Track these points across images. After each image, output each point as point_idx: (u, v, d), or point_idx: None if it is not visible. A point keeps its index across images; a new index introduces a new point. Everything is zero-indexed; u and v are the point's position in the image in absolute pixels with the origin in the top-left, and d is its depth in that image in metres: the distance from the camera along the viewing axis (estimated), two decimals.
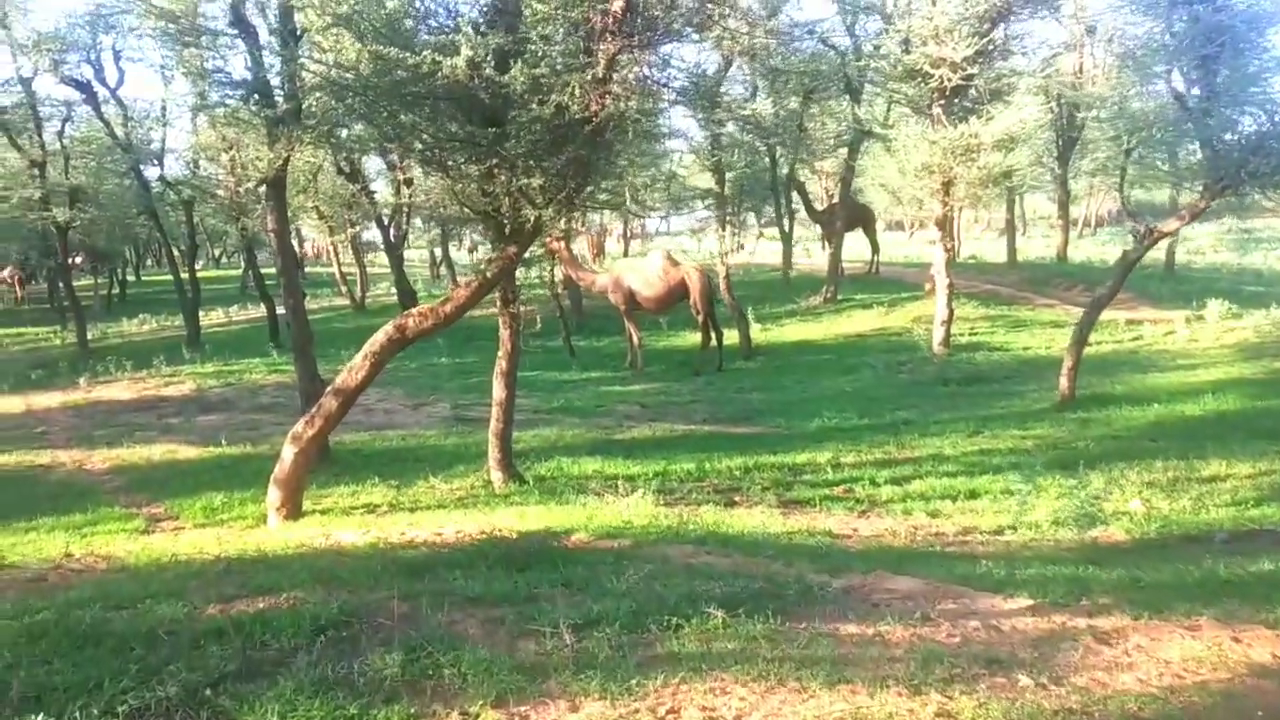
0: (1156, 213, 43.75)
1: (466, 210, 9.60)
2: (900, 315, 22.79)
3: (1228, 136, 13.04)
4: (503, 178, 8.24)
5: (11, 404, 18.63)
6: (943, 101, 18.42)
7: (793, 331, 22.50)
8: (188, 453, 13.75)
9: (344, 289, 31.51)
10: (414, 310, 9.09)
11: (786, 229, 28.50)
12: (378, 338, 8.90)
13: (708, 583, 5.44)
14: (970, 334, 20.41)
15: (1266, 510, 8.62)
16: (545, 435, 13.83)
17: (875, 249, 28.76)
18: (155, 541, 8.80)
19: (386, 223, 26.14)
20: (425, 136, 8.61)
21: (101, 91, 24.22)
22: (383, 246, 28.68)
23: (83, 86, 23.76)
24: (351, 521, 8.88)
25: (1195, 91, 13.75)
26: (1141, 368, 16.76)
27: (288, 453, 9.11)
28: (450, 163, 9.13)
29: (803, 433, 13.57)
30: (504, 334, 10.98)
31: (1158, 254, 34.61)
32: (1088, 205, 53.54)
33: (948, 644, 4.50)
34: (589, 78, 7.91)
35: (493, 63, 7.80)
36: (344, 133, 12.44)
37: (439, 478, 11.24)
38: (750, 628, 4.61)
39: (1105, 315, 21.50)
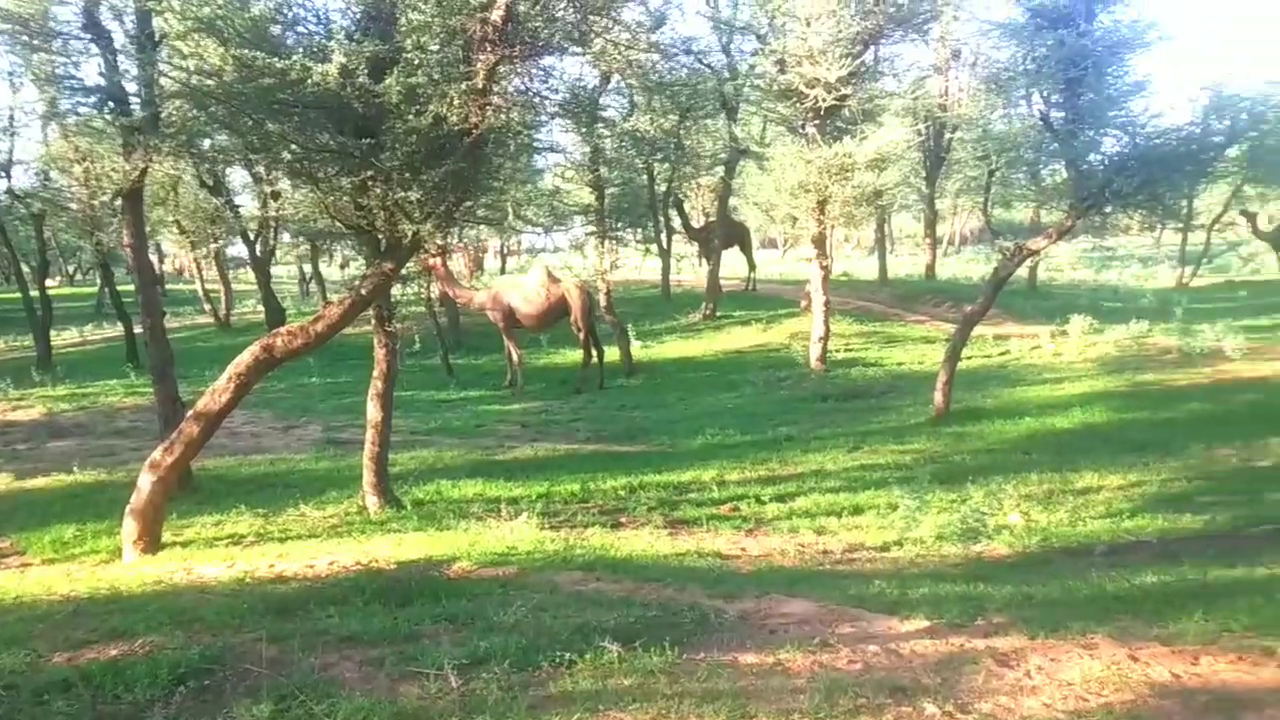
0: (1018, 231, 45.41)
1: (339, 225, 9.22)
2: (778, 332, 22.99)
3: (1092, 157, 13.48)
4: (378, 191, 7.89)
5: None
6: (817, 121, 18.68)
7: (673, 348, 22.47)
8: (36, 482, 12.85)
9: (208, 307, 30.28)
10: (283, 329, 8.64)
11: (665, 245, 28.56)
12: (243, 358, 8.43)
13: (600, 612, 5.22)
14: (846, 350, 20.69)
15: (1140, 521, 8.82)
16: (423, 457, 13.40)
17: (751, 266, 29.02)
18: None
19: (253, 237, 25.22)
20: (294, 147, 8.20)
21: None
22: (249, 262, 27.67)
23: None
24: (215, 554, 8.35)
25: (1060, 114, 14.21)
26: (1010, 382, 17.18)
27: (145, 481, 8.54)
28: (321, 175, 8.74)
29: (687, 450, 13.46)
30: (379, 353, 10.56)
31: (1021, 271, 35.95)
32: (952, 224, 55.33)
33: (850, 671, 4.37)
34: (468, 88, 7.65)
35: (366, 71, 7.48)
36: (206, 143, 11.90)
37: (310, 505, 10.72)
38: (647, 661, 4.40)
39: (974, 331, 22.17)
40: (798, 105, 18.72)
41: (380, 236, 8.44)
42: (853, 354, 20.53)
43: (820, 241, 19.38)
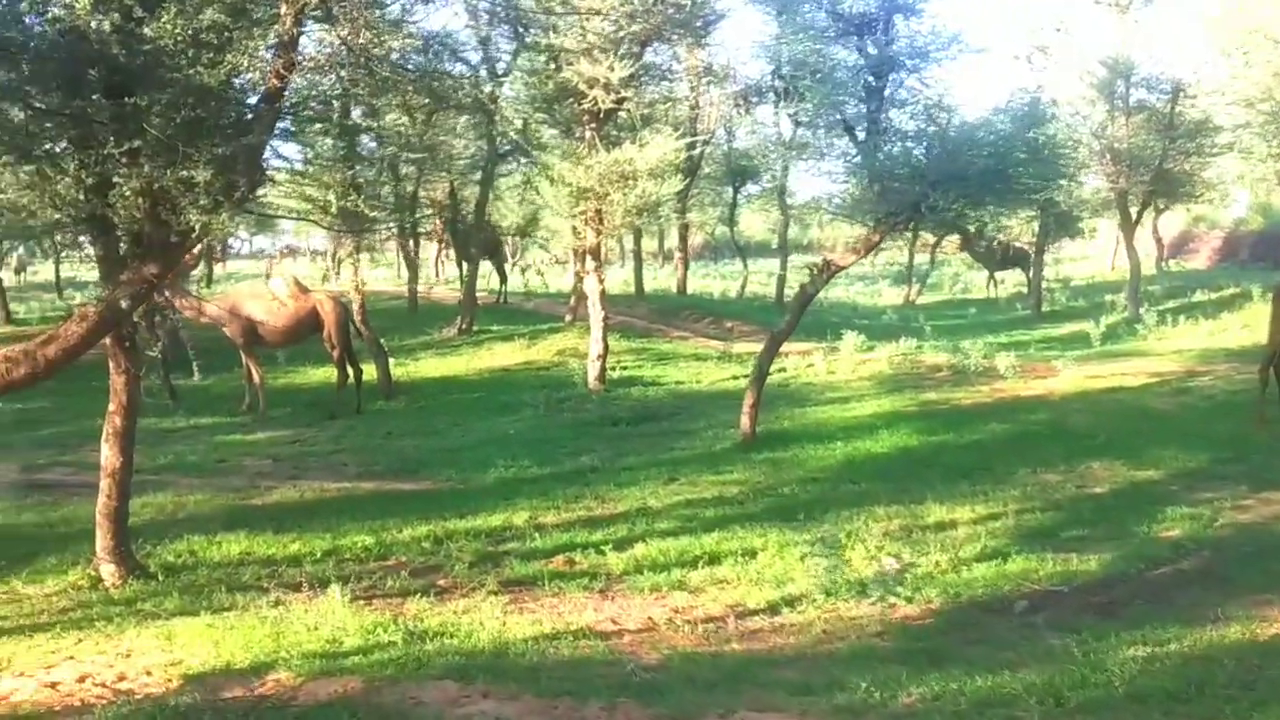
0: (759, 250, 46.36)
1: (67, 217, 7.03)
2: (544, 348, 21.54)
3: (901, 171, 12.97)
4: (143, 169, 5.86)
5: None
6: (594, 124, 17.49)
7: (431, 367, 20.54)
8: None
9: None
10: None
11: (414, 253, 26.47)
12: None
13: None
14: (620, 368, 19.55)
15: (1024, 564, 8.08)
16: (159, 503, 11.00)
17: (503, 278, 27.47)
18: None
19: None
20: (18, 110, 6.01)
21: None
22: None
23: None
24: None
25: (861, 125, 13.72)
26: (798, 401, 16.60)
27: None
28: (50, 148, 6.58)
29: (481, 487, 11.79)
30: (117, 381, 8.27)
31: (759, 287, 36.36)
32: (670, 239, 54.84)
33: None
34: (276, 37, 5.81)
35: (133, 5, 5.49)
36: None
37: (22, 577, 8.27)
38: None
39: (744, 349, 21.68)
40: (575, 106, 17.46)
41: (145, 229, 6.35)
42: (628, 372, 19.42)
43: (597, 253, 18.18)
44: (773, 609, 7.16)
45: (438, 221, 28.61)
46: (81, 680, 5.34)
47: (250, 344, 16.41)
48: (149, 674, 5.37)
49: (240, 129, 6.00)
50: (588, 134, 17.43)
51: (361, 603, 7.13)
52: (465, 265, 24.92)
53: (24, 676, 5.50)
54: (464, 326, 22.90)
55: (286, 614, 6.61)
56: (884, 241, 13.58)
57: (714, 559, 8.62)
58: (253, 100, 6.48)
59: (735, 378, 18.80)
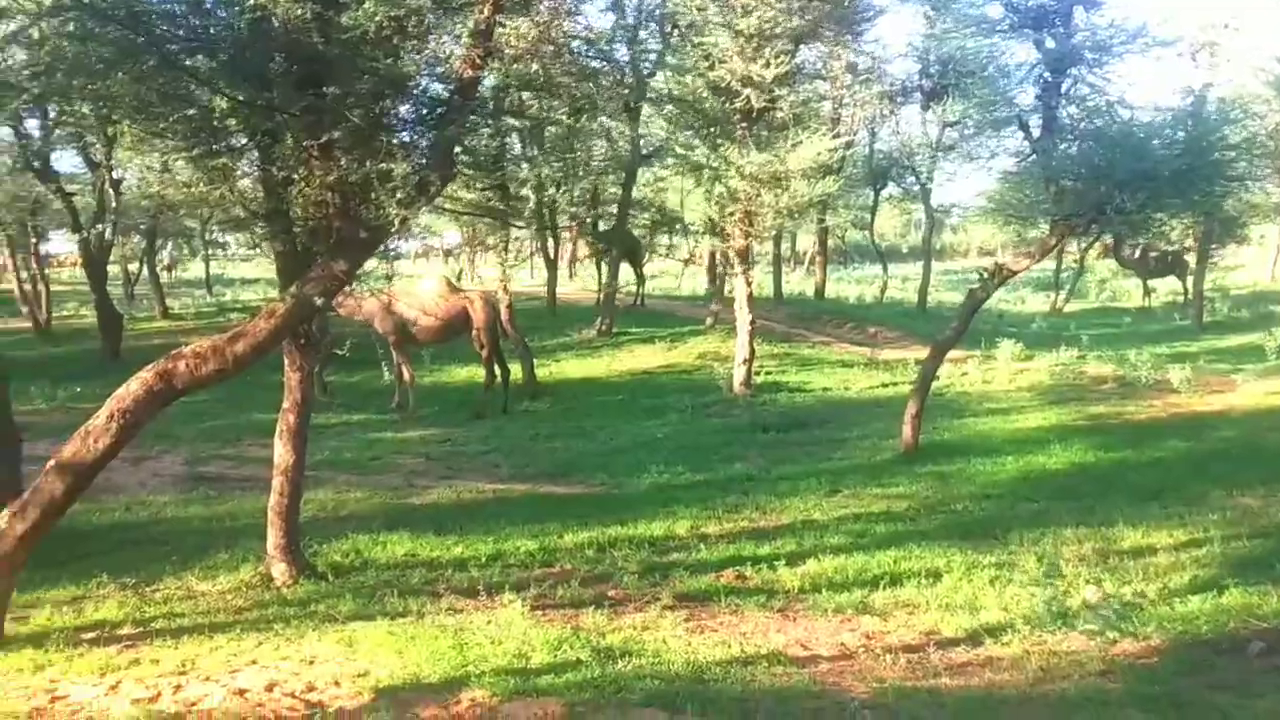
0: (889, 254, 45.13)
1: (250, 212, 6.97)
2: (685, 351, 21.20)
3: (1082, 171, 12.21)
4: (342, 162, 5.69)
5: None
6: (745, 124, 17.08)
7: (572, 367, 20.41)
8: None
9: (25, 309, 26.33)
10: (188, 350, 6.28)
11: (554, 254, 26.44)
12: (132, 390, 6.06)
13: None
14: (764, 373, 19.07)
15: (1244, 598, 7.35)
16: (320, 500, 11.02)
17: (640, 280, 27.22)
18: None
19: (87, 230, 21.50)
20: (220, 101, 5.91)
21: None
22: (82, 260, 23.95)
23: None
24: (86, 662, 5.90)
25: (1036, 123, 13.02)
26: (955, 413, 15.87)
27: None
28: (232, 142, 6.50)
29: (636, 493, 11.51)
30: (292, 379, 8.22)
31: (898, 293, 35.41)
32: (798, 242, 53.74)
33: None
34: (474, 26, 5.58)
35: None
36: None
37: (195, 572, 8.29)
38: None
39: (893, 355, 21.01)
40: (727, 106, 17.07)
41: (324, 226, 6.19)
42: (772, 377, 18.92)
43: (746, 255, 17.74)
44: (973, 639, 6.65)
45: (574, 223, 28.58)
46: (270, 688, 5.19)
47: (401, 342, 16.49)
48: (337, 684, 5.19)
49: (433, 121, 5.81)
50: (738, 133, 17.03)
51: (537, 613, 6.89)
52: (604, 266, 24.73)
53: (210, 681, 5.38)
54: (604, 328, 22.73)
55: (466, 623, 6.39)
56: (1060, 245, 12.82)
57: (895, 580, 8.14)
58: (441, 91, 6.29)
59: (884, 385, 18.19)
